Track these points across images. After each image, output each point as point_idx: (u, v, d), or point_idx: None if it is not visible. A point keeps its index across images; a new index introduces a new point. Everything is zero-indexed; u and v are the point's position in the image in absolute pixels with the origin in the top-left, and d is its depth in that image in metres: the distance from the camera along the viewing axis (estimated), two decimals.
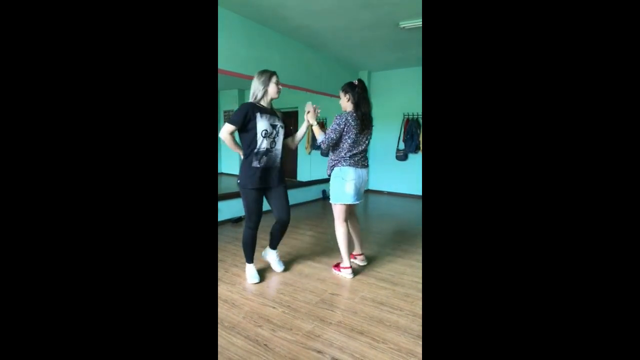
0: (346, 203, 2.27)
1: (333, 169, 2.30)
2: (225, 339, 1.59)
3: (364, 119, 2.22)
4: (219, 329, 1.67)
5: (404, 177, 5.85)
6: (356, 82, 2.25)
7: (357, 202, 2.33)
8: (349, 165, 2.24)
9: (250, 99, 2.10)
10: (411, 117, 5.65)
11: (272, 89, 2.09)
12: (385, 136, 6.01)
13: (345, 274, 2.33)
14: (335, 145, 2.26)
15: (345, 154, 2.23)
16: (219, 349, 1.50)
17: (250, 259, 2.29)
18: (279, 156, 2.18)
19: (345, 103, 2.28)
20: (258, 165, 2.08)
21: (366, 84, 2.37)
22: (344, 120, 2.19)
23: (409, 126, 5.62)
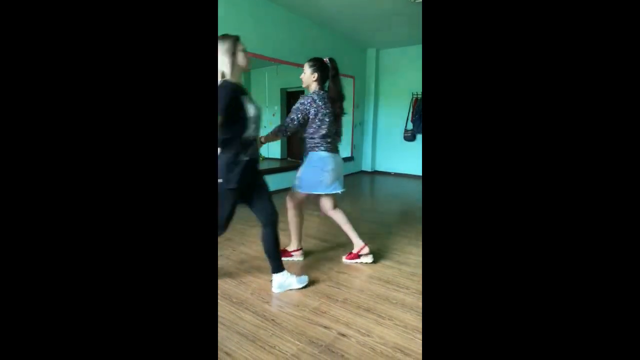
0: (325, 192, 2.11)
1: (307, 154, 2.09)
2: (234, 314, 1.63)
3: (334, 106, 2.04)
4: (228, 305, 1.71)
5: (412, 158, 5.79)
6: (327, 60, 2.03)
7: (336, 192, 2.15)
8: (326, 150, 2.07)
9: (219, 77, 1.57)
10: (420, 96, 5.53)
11: (241, 58, 1.61)
12: (393, 116, 5.91)
13: (365, 260, 2.23)
14: (304, 129, 2.06)
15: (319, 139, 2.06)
16: (228, 324, 1.55)
17: None
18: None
19: (310, 80, 2.05)
20: (246, 158, 1.65)
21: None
22: (309, 101, 1.99)
23: (418, 106, 5.51)
